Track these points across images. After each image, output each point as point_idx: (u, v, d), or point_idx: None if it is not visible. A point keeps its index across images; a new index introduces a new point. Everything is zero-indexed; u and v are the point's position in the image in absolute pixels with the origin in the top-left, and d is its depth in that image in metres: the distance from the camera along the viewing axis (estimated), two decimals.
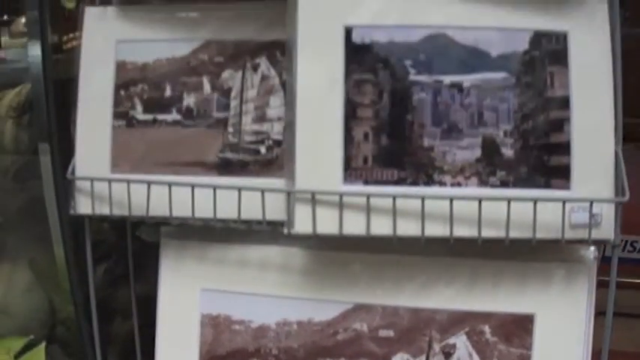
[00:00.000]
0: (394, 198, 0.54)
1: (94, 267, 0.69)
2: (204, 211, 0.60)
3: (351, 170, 0.56)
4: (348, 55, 0.56)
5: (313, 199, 0.55)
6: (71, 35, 0.87)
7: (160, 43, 0.63)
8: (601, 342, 0.58)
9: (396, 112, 0.56)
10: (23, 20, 0.77)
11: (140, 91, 0.63)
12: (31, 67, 0.73)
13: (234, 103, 0.62)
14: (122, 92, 0.63)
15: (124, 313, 0.81)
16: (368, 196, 0.55)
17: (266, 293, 0.62)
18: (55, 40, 0.80)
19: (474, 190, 0.55)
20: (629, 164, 0.56)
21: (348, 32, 0.57)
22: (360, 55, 0.57)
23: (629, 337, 1.01)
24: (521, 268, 0.59)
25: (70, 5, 1.11)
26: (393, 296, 0.60)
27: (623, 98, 0.56)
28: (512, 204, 0.54)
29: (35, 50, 0.74)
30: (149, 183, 0.60)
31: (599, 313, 0.58)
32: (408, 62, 0.56)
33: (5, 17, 1.04)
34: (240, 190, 0.58)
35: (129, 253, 0.74)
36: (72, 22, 0.89)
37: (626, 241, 1.11)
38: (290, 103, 0.58)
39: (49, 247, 0.80)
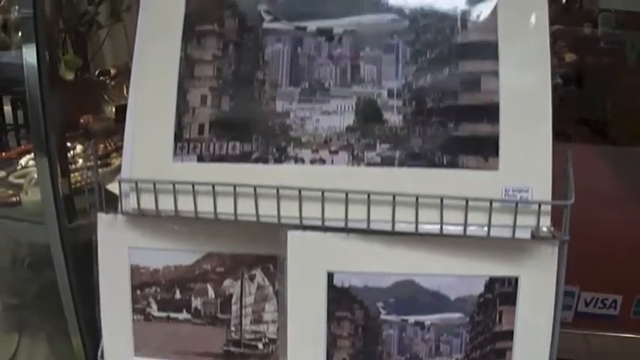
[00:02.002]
0: None
1: None
2: None
3: None
4: (330, 295, 0.67)
5: None
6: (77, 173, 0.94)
7: (167, 252, 0.73)
8: None
9: (368, 342, 0.68)
10: (33, 162, 0.84)
11: (154, 293, 0.74)
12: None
13: (234, 307, 0.73)
14: (138, 292, 0.74)
15: None
16: None
17: None
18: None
19: None
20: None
21: (330, 276, 0.67)
22: (340, 296, 0.67)
23: None
24: None
25: (69, 77, 1.15)
26: None
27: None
28: None
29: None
30: None
31: None
32: (379, 304, 0.67)
33: None
34: None
35: None
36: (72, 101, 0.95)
37: (597, 299, 1.23)
38: (282, 309, 0.70)
39: (65, 324, 0.93)
